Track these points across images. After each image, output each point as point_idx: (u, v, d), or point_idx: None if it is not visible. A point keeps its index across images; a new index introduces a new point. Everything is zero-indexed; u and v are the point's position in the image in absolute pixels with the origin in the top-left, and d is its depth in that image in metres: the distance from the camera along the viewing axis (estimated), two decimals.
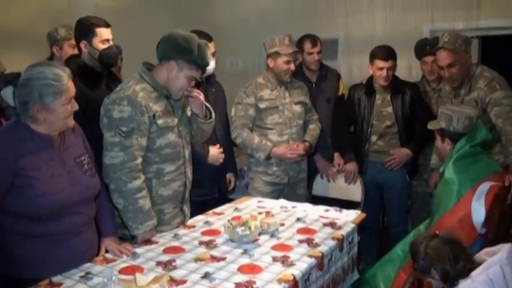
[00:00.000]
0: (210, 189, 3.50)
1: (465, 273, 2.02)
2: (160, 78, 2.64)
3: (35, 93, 2.08)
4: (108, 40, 3.03)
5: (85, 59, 3.06)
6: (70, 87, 2.16)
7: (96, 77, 3.03)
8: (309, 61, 4.13)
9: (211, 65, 3.44)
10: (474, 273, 2.00)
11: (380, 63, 3.79)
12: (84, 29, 3.05)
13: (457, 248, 2.08)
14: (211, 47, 3.39)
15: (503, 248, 2.05)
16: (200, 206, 3.19)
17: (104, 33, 3.03)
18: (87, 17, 3.11)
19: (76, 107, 2.22)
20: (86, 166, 2.33)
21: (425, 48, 3.99)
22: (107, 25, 3.07)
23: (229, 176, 3.85)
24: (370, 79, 4.00)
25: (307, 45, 4.11)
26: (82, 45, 3.05)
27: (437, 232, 2.20)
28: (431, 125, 2.93)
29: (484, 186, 2.59)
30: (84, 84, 2.89)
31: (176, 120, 2.73)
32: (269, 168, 3.80)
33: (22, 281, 2.11)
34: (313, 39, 4.13)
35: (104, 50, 3.01)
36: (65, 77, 2.14)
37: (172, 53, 2.60)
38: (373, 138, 3.97)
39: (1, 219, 2.13)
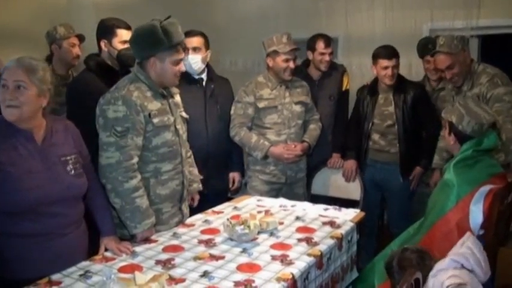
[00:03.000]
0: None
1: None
2: (152, 76, 2.65)
3: None
4: (127, 41, 3.13)
5: (104, 57, 3.17)
6: (8, 71, 2.11)
7: (114, 75, 3.09)
8: (320, 61, 4.12)
9: (197, 59, 3.48)
10: (452, 251, 2.13)
11: (384, 62, 3.80)
12: (106, 29, 3.16)
13: (424, 254, 2.20)
14: (191, 42, 3.44)
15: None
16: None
17: (124, 34, 3.15)
18: (109, 17, 3.21)
19: (10, 96, 2.09)
20: (71, 166, 2.30)
21: (427, 47, 3.97)
22: (127, 27, 3.18)
23: (234, 175, 3.85)
24: (374, 81, 4.02)
25: (320, 45, 4.09)
26: (102, 44, 3.17)
27: (405, 246, 2.30)
28: (444, 113, 2.89)
29: (483, 190, 2.58)
30: (102, 80, 3.01)
31: (172, 119, 2.73)
32: (266, 167, 3.80)
33: (4, 280, 2.11)
34: (327, 40, 4.12)
35: (122, 50, 3.12)
36: (11, 61, 2.12)
37: (146, 51, 2.61)
38: (375, 136, 3.99)
39: None
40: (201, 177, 3.19)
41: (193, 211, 3.07)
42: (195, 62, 3.53)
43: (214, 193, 3.58)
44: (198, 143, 3.44)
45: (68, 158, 2.30)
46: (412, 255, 2.17)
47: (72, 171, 2.29)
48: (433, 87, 4.13)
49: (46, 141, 2.25)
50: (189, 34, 3.45)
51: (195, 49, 3.52)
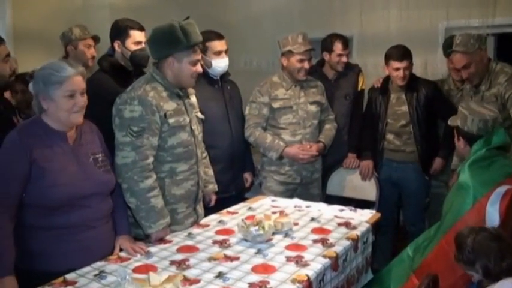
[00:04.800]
0: (227, 187, 3.49)
1: (509, 271, 1.99)
2: (169, 76, 2.66)
3: (40, 82, 2.18)
4: (140, 42, 3.17)
5: (117, 57, 3.20)
6: (74, 81, 2.20)
7: (127, 75, 3.12)
8: (338, 62, 4.07)
9: (224, 63, 3.47)
10: None
11: (396, 64, 3.78)
12: (119, 30, 3.19)
13: (504, 245, 2.05)
14: (222, 45, 3.45)
15: None
16: (216, 204, 3.19)
17: (137, 35, 3.18)
18: (123, 18, 3.24)
19: (81, 103, 2.22)
20: (100, 163, 2.37)
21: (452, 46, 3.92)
22: (141, 28, 3.21)
23: (246, 174, 3.84)
24: (386, 79, 3.99)
25: (338, 46, 4.04)
26: (116, 44, 3.20)
27: (485, 226, 2.17)
28: (450, 121, 2.89)
29: (500, 190, 2.54)
30: (115, 81, 3.04)
31: (188, 119, 2.73)
32: (281, 167, 3.78)
33: (33, 273, 2.14)
34: (345, 41, 4.09)
35: (135, 51, 3.16)
36: (69, 70, 2.18)
37: (165, 50, 2.62)
38: (390, 136, 3.96)
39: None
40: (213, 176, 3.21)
41: (209, 211, 3.08)
42: (226, 63, 3.52)
43: (237, 194, 3.64)
44: (224, 143, 3.50)
45: (97, 156, 2.38)
46: (493, 244, 2.03)
47: (102, 168, 2.37)
48: (457, 87, 4.07)
49: (76, 141, 2.33)
50: (220, 37, 3.48)
51: (226, 51, 3.52)
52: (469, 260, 2.09)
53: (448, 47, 3.95)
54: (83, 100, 2.24)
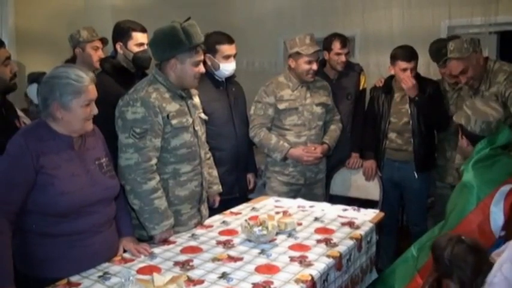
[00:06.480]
0: (231, 188, 3.50)
1: (483, 284, 1.98)
2: (171, 77, 2.66)
3: (55, 91, 2.12)
4: (142, 44, 3.17)
5: (120, 59, 3.20)
6: (90, 90, 2.19)
7: (130, 77, 3.13)
8: (336, 61, 4.08)
9: (232, 67, 3.47)
10: (489, 278, 1.95)
11: (403, 64, 3.77)
12: (122, 32, 3.19)
13: (481, 258, 2.04)
14: (232, 49, 3.44)
15: (510, 244, 2.01)
16: (220, 205, 3.19)
17: (139, 37, 3.18)
18: (125, 20, 3.24)
19: (95, 111, 2.24)
20: (105, 167, 2.36)
21: (441, 51, 3.89)
22: (143, 30, 3.21)
23: (249, 175, 3.83)
24: (389, 78, 3.98)
25: (336, 45, 4.05)
26: (118, 46, 3.19)
27: (462, 237, 2.13)
28: (455, 117, 2.88)
29: (504, 189, 2.53)
30: (118, 83, 3.04)
31: (191, 120, 2.73)
32: (285, 168, 3.77)
33: (41, 280, 2.12)
34: (343, 40, 4.08)
35: (137, 52, 3.16)
36: (86, 79, 2.17)
37: (167, 52, 2.61)
38: (392, 135, 3.95)
39: (22, 219, 2.14)
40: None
41: (213, 212, 3.08)
42: (234, 68, 3.51)
43: (241, 195, 3.63)
44: (229, 145, 3.50)
45: (102, 160, 2.36)
46: (470, 257, 2.02)
47: (107, 174, 2.36)
48: (452, 88, 4.06)
49: (81, 146, 2.30)
50: (231, 41, 3.46)
51: (235, 56, 3.51)
52: (446, 271, 2.08)
53: (436, 53, 3.94)
54: (95, 108, 2.24)
